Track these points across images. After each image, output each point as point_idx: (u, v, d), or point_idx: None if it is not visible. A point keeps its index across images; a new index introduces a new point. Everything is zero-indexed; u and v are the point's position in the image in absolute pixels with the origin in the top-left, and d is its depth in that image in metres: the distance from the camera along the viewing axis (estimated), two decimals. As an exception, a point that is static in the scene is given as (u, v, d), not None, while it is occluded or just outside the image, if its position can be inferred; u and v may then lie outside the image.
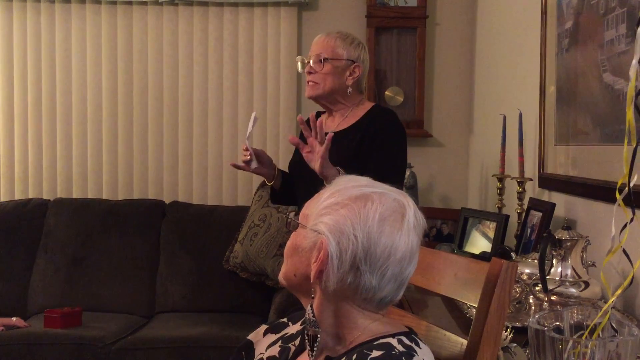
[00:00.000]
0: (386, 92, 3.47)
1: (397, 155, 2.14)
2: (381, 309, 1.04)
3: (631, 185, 1.00)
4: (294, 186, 2.26)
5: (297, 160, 2.26)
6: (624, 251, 1.03)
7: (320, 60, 2.12)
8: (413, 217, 1.02)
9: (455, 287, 1.13)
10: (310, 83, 2.16)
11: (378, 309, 1.03)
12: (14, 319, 2.80)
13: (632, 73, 1.01)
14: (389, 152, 2.11)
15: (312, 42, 2.21)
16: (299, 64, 2.22)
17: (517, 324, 1.49)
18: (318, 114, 2.25)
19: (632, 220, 1.00)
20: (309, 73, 2.15)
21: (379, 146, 2.09)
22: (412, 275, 1.03)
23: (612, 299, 1.02)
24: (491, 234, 2.47)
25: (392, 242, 0.99)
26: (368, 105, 2.21)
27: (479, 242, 2.55)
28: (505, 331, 1.41)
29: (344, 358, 1.00)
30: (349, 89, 2.14)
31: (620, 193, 1.00)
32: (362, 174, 1.09)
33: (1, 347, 2.62)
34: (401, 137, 2.16)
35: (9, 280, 3.15)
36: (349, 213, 1.00)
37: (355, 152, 2.08)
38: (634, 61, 1.01)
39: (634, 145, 1.00)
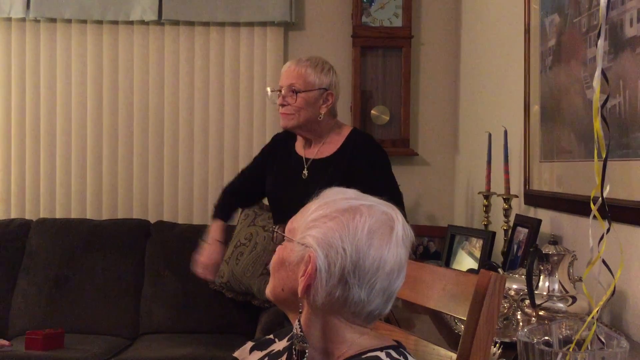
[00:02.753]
0: (372, 111, 3.49)
1: (393, 178, 2.21)
2: (369, 322, 1.02)
3: (604, 196, 1.00)
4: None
5: (275, 190, 2.27)
6: (604, 262, 1.03)
7: (293, 92, 2.10)
8: (401, 230, 1.01)
9: (443, 301, 1.12)
10: (283, 114, 2.14)
11: (366, 322, 1.02)
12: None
13: (596, 84, 1.02)
14: (387, 178, 2.17)
15: (283, 70, 2.18)
16: (269, 94, 2.22)
17: (506, 340, 1.48)
18: (280, 136, 2.31)
19: (608, 230, 1.01)
20: (282, 105, 2.13)
21: (377, 175, 2.13)
22: (400, 288, 1.02)
23: (596, 309, 1.02)
24: (477, 253, 2.47)
25: (380, 255, 0.98)
26: (346, 130, 2.22)
27: (466, 260, 2.55)
28: (494, 346, 1.40)
29: (332, 372, 0.98)
30: (320, 116, 2.13)
31: (594, 204, 1.01)
32: None
33: (-20, 370, 2.57)
34: (388, 160, 2.22)
35: (-11, 301, 3.09)
36: (337, 226, 0.99)
37: (344, 180, 2.07)
38: (597, 72, 1.02)
39: (604, 156, 1.00)
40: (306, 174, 2.17)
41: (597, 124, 1.01)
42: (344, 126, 2.25)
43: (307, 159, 2.19)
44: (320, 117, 2.13)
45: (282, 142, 2.30)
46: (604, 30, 1.04)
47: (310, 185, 2.12)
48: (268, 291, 1.08)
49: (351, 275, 0.97)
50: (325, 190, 1.07)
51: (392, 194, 2.10)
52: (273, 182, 2.27)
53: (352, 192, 1.06)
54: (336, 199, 1.03)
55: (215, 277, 2.29)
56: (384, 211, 1.02)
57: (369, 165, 2.14)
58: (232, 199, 2.40)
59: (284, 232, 1.06)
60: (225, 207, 2.39)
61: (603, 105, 1.05)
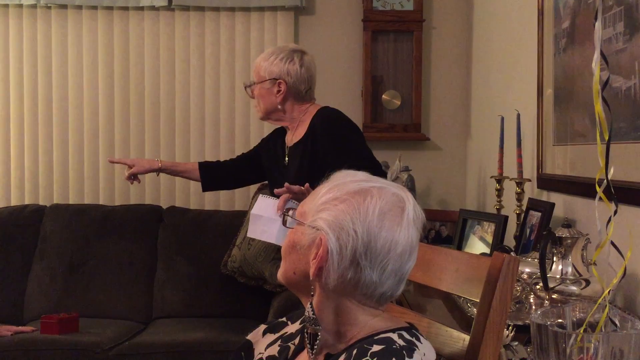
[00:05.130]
0: (383, 96, 3.47)
1: (362, 148, 2.15)
2: (381, 304, 1.03)
3: (610, 178, 1.00)
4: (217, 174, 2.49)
5: (268, 179, 2.39)
6: (613, 244, 1.02)
7: (250, 86, 2.26)
8: (412, 211, 1.01)
9: (456, 283, 1.12)
10: (256, 107, 2.31)
11: (378, 304, 1.02)
12: (20, 327, 2.79)
13: (595, 66, 1.01)
14: (354, 149, 2.13)
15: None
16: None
17: (519, 322, 1.48)
18: (279, 128, 2.36)
19: (615, 212, 1.00)
20: (253, 98, 2.29)
21: (336, 154, 2.09)
22: (411, 269, 1.02)
23: (607, 291, 1.02)
24: (489, 238, 2.46)
25: (392, 237, 0.98)
26: (313, 111, 2.24)
27: (477, 245, 2.54)
28: (507, 329, 1.40)
29: (344, 354, 0.98)
30: (275, 106, 2.22)
31: (600, 187, 1.00)
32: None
33: (-3, 353, 2.60)
34: (354, 131, 2.18)
35: (5, 286, 3.12)
36: (348, 208, 0.99)
37: (310, 165, 2.11)
38: (596, 54, 1.01)
39: (607, 139, 1.00)
40: (287, 161, 2.24)
41: (598, 106, 1.00)
42: (312, 107, 2.26)
43: (287, 147, 2.26)
44: (279, 107, 2.21)
45: (279, 134, 2.36)
46: (600, 12, 1.04)
47: (288, 171, 2.16)
48: (280, 275, 1.08)
49: (363, 257, 0.97)
50: (335, 173, 1.07)
51: (365, 165, 2.08)
52: (266, 173, 2.39)
53: (361, 175, 1.06)
54: (346, 181, 1.03)
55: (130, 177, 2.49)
56: (394, 193, 1.02)
57: (331, 140, 2.13)
58: (220, 166, 2.52)
59: (294, 216, 1.06)
60: (212, 164, 2.53)
61: (604, 87, 1.04)
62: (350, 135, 2.17)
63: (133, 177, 2.48)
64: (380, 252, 0.97)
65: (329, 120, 2.19)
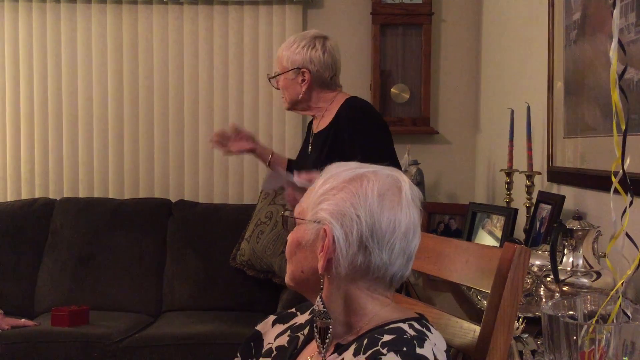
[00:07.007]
0: (392, 90, 3.46)
1: (375, 146, 2.08)
2: (392, 287, 1.03)
3: (625, 169, 0.99)
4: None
5: (295, 167, 2.28)
6: (628, 235, 1.01)
7: (274, 77, 2.21)
8: (410, 190, 1.02)
9: (467, 274, 1.12)
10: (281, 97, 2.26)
11: (389, 287, 1.02)
12: (22, 320, 2.79)
13: (612, 55, 1.00)
14: (370, 149, 2.03)
15: None
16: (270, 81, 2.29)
17: (529, 315, 1.48)
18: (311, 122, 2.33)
19: (631, 204, 0.99)
20: (278, 89, 2.24)
21: (356, 145, 2.05)
22: (422, 262, 1.02)
23: (620, 282, 1.01)
24: (498, 233, 2.46)
25: (394, 216, 0.99)
26: (340, 100, 2.18)
27: (486, 239, 2.53)
28: (517, 321, 1.39)
29: (355, 343, 0.98)
30: (300, 95, 2.17)
31: (615, 177, 0.99)
32: None
33: (8, 345, 2.62)
34: (380, 128, 2.12)
35: (16, 279, 3.14)
36: (347, 195, 1.00)
37: (331, 152, 2.09)
38: (613, 43, 1.00)
39: (624, 129, 0.99)
40: (310, 149, 2.21)
41: (615, 95, 0.99)
42: (340, 96, 2.21)
43: (312, 134, 2.23)
44: (304, 96, 2.17)
45: (310, 124, 2.33)
46: (619, 0, 1.03)
47: (310, 158, 2.15)
48: (287, 279, 1.08)
49: (370, 240, 0.98)
50: (327, 167, 1.07)
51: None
52: (299, 155, 2.36)
53: (353, 163, 1.07)
54: (339, 171, 1.04)
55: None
56: (388, 174, 1.03)
57: (355, 133, 2.08)
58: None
59: (293, 216, 1.06)
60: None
61: (621, 77, 1.03)
62: (375, 130, 2.11)
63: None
64: (385, 232, 0.98)
65: (355, 112, 2.12)
